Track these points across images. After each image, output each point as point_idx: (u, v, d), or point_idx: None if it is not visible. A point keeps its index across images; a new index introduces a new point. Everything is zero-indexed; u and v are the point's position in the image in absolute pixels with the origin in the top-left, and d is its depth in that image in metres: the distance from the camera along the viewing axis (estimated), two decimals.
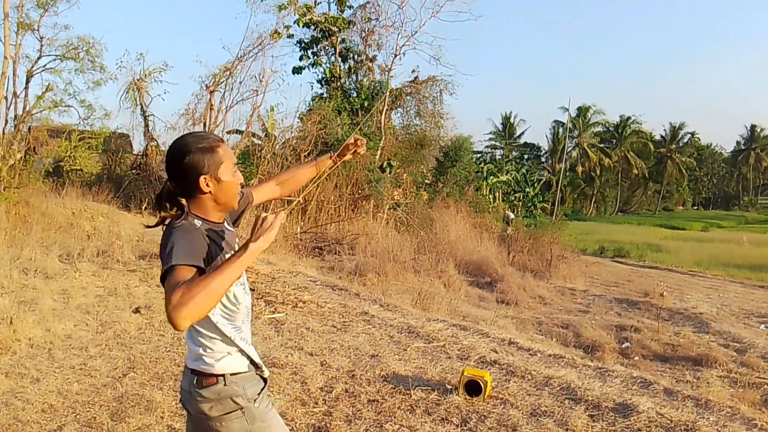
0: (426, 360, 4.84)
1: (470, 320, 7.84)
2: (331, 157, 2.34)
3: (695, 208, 71.53)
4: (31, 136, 14.38)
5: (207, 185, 1.75)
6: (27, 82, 14.48)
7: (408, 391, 4.05)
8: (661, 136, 62.37)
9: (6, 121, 13.29)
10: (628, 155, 57.78)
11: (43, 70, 14.63)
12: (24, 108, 14.24)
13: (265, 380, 1.91)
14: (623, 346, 8.75)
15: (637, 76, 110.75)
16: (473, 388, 3.96)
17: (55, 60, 14.72)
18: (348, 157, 2.33)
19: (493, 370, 4.54)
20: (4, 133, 12.76)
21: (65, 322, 5.52)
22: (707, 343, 8.60)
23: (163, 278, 1.56)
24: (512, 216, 22.39)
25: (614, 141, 59.81)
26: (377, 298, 7.34)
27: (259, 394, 1.85)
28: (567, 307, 11.88)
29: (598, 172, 56.87)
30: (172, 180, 1.79)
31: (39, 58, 14.58)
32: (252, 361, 1.86)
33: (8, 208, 10.65)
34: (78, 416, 3.69)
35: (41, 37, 14.45)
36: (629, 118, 59.11)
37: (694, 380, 6.56)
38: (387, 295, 8.13)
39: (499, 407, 3.88)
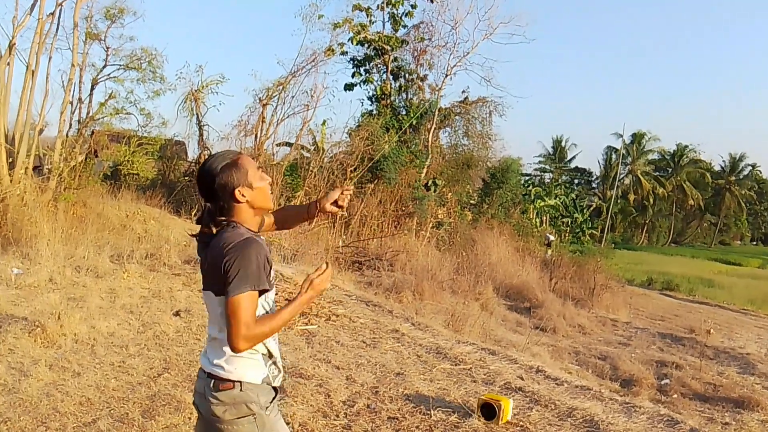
0: (450, 382, 4.87)
1: (503, 345, 7.81)
2: (316, 206, 2.34)
3: (754, 243, 68.45)
4: (93, 140, 15.12)
5: (242, 195, 1.92)
6: (92, 89, 15.31)
7: (428, 412, 4.10)
8: (720, 167, 60.20)
9: (70, 125, 14.05)
10: (684, 185, 55.98)
11: (107, 79, 15.42)
12: (87, 113, 15.03)
13: (276, 390, 2.03)
14: (662, 382, 8.50)
15: (697, 104, 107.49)
16: (489, 411, 3.97)
17: (118, 69, 15.53)
18: (331, 209, 2.33)
19: (516, 397, 4.54)
20: (67, 136, 13.47)
21: (109, 320, 5.79)
22: (751, 385, 8.27)
23: (234, 294, 1.79)
24: (552, 238, 22.05)
25: (669, 170, 58.10)
26: (410, 316, 7.40)
27: (270, 402, 1.97)
28: (607, 339, 11.62)
29: (651, 200, 55.28)
30: (211, 201, 1.96)
31: (104, 67, 15.42)
32: (274, 363, 2.00)
33: (67, 208, 11.22)
34: (112, 411, 3.89)
35: (107, 47, 15.29)
36: (686, 146, 57.36)
37: (733, 422, 6.33)
38: (420, 314, 8.17)
39: None
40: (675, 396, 7.82)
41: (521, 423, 4.05)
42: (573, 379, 5.28)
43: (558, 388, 4.91)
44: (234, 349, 1.80)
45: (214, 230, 1.93)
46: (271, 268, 1.94)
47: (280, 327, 1.91)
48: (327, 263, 2.02)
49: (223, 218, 1.94)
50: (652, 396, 7.64)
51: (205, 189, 1.95)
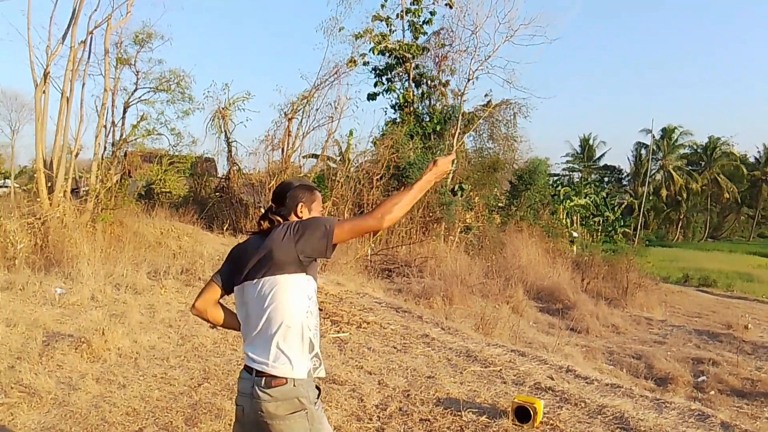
0: (480, 384, 4.95)
1: (534, 347, 7.84)
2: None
3: None
4: (127, 161, 15.60)
5: (301, 212, 2.26)
6: (124, 112, 15.82)
7: (459, 413, 4.19)
8: (755, 158, 58.64)
9: (105, 148, 14.54)
10: (719, 178, 54.67)
11: (138, 101, 15.91)
12: (121, 135, 15.52)
13: (319, 389, 2.20)
14: (698, 379, 8.41)
15: (728, 95, 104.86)
16: (523, 414, 4.04)
17: (149, 92, 16.02)
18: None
19: (546, 397, 4.60)
20: (103, 159, 13.96)
21: (150, 334, 6.04)
22: None
23: (331, 231, 2.08)
24: (576, 234, 21.84)
25: (702, 163, 56.83)
26: (439, 321, 7.50)
27: (317, 398, 2.15)
28: (641, 338, 11.50)
29: (684, 196, 54.15)
30: (277, 203, 2.29)
31: (135, 90, 15.92)
32: (316, 355, 2.19)
33: (104, 228, 11.63)
34: (157, 420, 4.09)
35: (137, 71, 15.79)
36: (719, 139, 56.07)
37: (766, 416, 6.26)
38: (450, 318, 8.26)
39: None
40: (712, 393, 7.74)
41: (551, 422, 4.11)
42: (603, 378, 5.31)
43: (588, 387, 4.96)
44: (380, 227, 2.09)
45: (268, 226, 2.21)
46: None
47: (410, 202, 2.14)
48: (452, 153, 2.36)
49: (280, 219, 2.23)
50: (688, 393, 7.58)
51: (279, 193, 2.31)
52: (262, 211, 2.39)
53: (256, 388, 2.06)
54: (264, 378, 2.06)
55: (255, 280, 2.11)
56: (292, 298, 2.09)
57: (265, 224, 2.21)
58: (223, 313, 2.34)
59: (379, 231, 2.10)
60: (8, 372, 4.78)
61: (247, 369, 2.12)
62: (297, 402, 2.05)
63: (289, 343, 2.08)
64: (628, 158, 58.18)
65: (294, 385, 2.05)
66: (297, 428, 2.05)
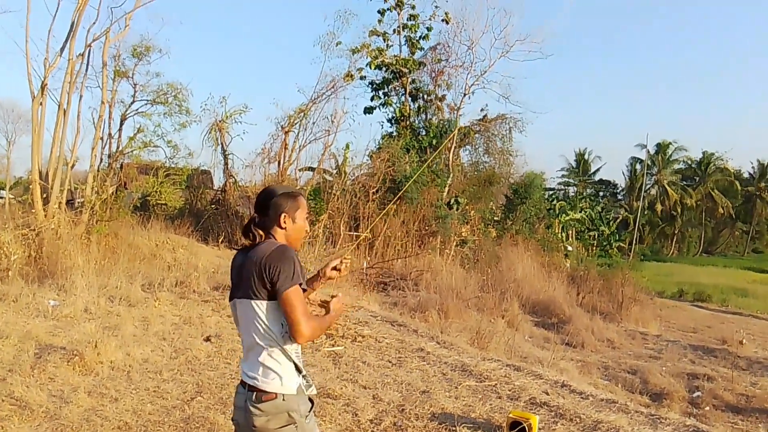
0: (476, 399, 4.94)
1: (529, 361, 7.81)
2: (318, 276, 2.63)
3: None
4: (123, 173, 15.60)
5: (284, 222, 2.22)
6: (121, 124, 15.88)
7: (454, 428, 4.18)
8: (749, 174, 59.02)
9: (101, 160, 14.53)
10: (713, 193, 54.97)
11: (135, 114, 15.96)
12: (117, 147, 15.54)
13: (311, 401, 2.21)
14: (694, 395, 8.39)
15: (722, 111, 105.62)
16: (518, 429, 4.03)
17: (146, 104, 16.08)
18: (331, 273, 2.61)
19: (541, 412, 4.59)
20: (99, 170, 13.94)
21: (143, 347, 6.00)
22: None
23: (285, 289, 2.05)
24: (570, 248, 21.89)
25: (697, 178, 57.15)
26: (434, 335, 7.48)
27: (309, 411, 2.17)
28: (636, 352, 11.48)
29: (679, 210, 54.38)
30: (260, 213, 2.24)
31: (132, 103, 15.98)
32: (303, 377, 2.19)
33: (99, 240, 11.58)
34: None
35: (135, 84, 15.86)
36: (713, 154, 56.45)
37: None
38: (445, 332, 8.24)
39: None
40: (707, 408, 7.71)
41: None
42: (599, 393, 5.30)
43: (583, 402, 4.94)
44: (300, 338, 2.05)
45: (250, 242, 2.21)
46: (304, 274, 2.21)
47: (326, 327, 2.21)
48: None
49: (262, 232, 2.20)
50: (683, 409, 7.56)
51: (260, 202, 2.26)
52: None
53: (248, 402, 2.09)
54: (255, 393, 2.09)
55: (239, 300, 2.17)
56: (266, 323, 2.11)
57: (248, 241, 2.23)
58: None
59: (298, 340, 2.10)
60: (0, 384, 4.74)
61: (242, 383, 2.17)
62: (287, 416, 2.08)
63: (275, 361, 2.12)
64: (623, 173, 58.52)
65: (284, 400, 2.08)
66: None
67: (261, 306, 2.09)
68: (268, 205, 2.23)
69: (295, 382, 2.13)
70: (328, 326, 2.24)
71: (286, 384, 2.10)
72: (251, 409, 2.07)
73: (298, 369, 2.16)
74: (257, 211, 2.27)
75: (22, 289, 8.02)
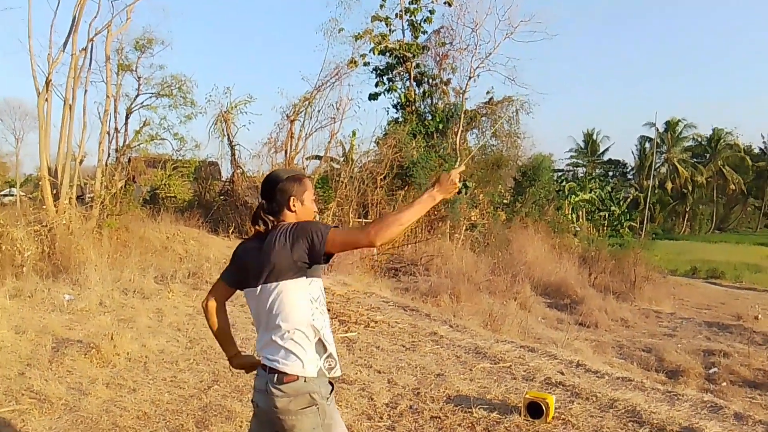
0: (490, 380, 4.93)
1: (543, 342, 7.80)
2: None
3: None
4: (131, 166, 15.65)
5: (294, 205, 2.23)
6: (127, 118, 15.90)
7: (470, 410, 4.18)
8: (760, 149, 58.32)
9: (108, 154, 14.60)
10: (724, 170, 54.38)
11: (140, 107, 15.96)
12: (124, 141, 15.58)
13: (332, 384, 2.23)
14: (710, 371, 8.36)
15: (732, 86, 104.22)
16: (535, 410, 4.03)
17: (151, 97, 16.08)
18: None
19: (557, 392, 4.58)
20: (107, 165, 14.00)
21: (159, 338, 6.04)
22: None
23: (326, 232, 2.07)
24: (577, 229, 21.84)
25: (707, 156, 56.55)
26: (447, 319, 7.48)
27: (330, 393, 2.19)
28: (651, 331, 11.45)
29: (689, 188, 53.90)
30: (268, 200, 2.24)
31: (137, 96, 15.99)
32: (329, 356, 2.20)
33: (110, 234, 11.65)
34: (168, 423, 4.09)
35: (139, 77, 15.86)
36: (722, 130, 55.78)
37: None
38: (458, 316, 8.24)
39: (560, 428, 3.93)
40: (724, 384, 7.69)
41: (563, 416, 4.09)
42: (614, 372, 5.28)
43: (599, 381, 4.93)
44: (373, 244, 2.04)
45: (263, 228, 2.20)
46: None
47: (408, 220, 2.06)
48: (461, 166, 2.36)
49: (272, 218, 2.21)
50: (700, 385, 7.53)
51: (267, 188, 2.26)
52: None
53: (270, 384, 2.11)
54: (276, 374, 2.11)
55: (259, 287, 2.16)
56: (294, 303, 2.13)
57: (260, 227, 2.22)
58: (219, 323, 2.43)
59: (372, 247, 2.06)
60: (18, 379, 4.79)
61: (263, 366, 2.19)
62: (309, 398, 2.10)
63: (298, 344, 2.13)
64: (632, 152, 58.01)
65: (305, 381, 2.10)
66: (308, 423, 2.10)
67: (290, 285, 2.11)
68: (275, 190, 2.23)
69: (315, 365, 2.14)
70: (411, 218, 2.06)
71: (308, 367, 2.11)
72: (273, 390, 2.09)
73: (324, 348, 2.17)
74: (264, 197, 2.27)
75: (36, 284, 8.09)
